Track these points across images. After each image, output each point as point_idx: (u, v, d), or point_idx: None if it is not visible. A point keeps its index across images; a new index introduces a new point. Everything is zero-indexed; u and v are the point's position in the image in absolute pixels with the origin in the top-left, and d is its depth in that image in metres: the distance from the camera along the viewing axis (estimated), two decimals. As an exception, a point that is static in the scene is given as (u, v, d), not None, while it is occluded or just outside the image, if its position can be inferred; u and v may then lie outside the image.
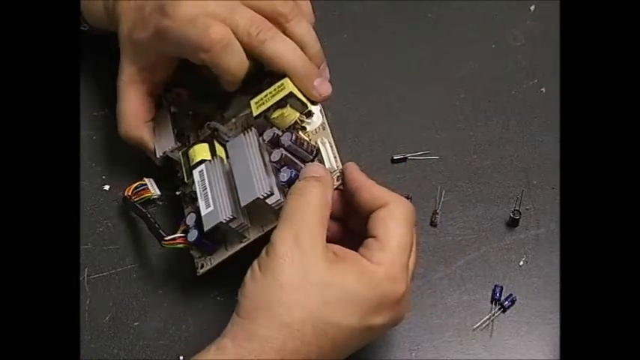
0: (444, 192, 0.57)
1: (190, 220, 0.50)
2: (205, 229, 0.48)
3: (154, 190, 0.54)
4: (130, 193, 0.53)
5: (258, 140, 0.50)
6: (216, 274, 0.53)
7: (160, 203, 0.56)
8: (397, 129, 0.61)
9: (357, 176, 0.47)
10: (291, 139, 0.48)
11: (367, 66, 0.64)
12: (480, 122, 0.61)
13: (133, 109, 0.54)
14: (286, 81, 0.50)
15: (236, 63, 0.50)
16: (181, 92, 0.56)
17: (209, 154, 0.51)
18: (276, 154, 0.48)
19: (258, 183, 0.47)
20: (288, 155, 0.48)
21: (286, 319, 0.41)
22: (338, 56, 0.64)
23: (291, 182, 0.46)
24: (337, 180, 0.48)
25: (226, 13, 0.50)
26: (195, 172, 0.50)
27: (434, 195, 0.57)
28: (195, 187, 0.50)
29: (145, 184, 0.54)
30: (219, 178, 0.49)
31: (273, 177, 0.48)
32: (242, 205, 0.47)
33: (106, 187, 0.58)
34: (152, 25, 0.51)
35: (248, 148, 0.49)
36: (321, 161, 0.49)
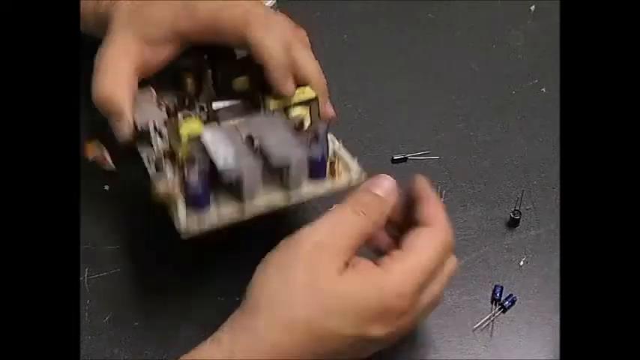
0: (444, 192, 0.57)
1: (193, 173, 0.45)
2: (226, 180, 0.45)
3: (111, 164, 0.51)
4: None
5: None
6: (216, 274, 0.53)
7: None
8: (397, 129, 0.61)
9: (425, 187, 0.47)
10: (326, 129, 0.48)
11: (367, 66, 0.64)
12: (480, 122, 0.61)
13: (120, 70, 0.50)
14: (309, 88, 0.50)
15: (279, 43, 0.49)
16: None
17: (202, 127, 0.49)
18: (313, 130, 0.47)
19: (293, 148, 0.46)
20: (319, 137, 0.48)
21: (286, 318, 0.41)
22: (338, 56, 0.64)
23: (318, 163, 0.46)
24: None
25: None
26: (207, 131, 0.48)
27: (434, 195, 0.57)
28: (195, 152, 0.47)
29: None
30: (234, 140, 0.47)
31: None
32: (274, 164, 0.46)
33: (106, 187, 0.58)
34: (175, 2, 0.50)
35: (277, 120, 0.49)
36: (346, 165, 0.49)
